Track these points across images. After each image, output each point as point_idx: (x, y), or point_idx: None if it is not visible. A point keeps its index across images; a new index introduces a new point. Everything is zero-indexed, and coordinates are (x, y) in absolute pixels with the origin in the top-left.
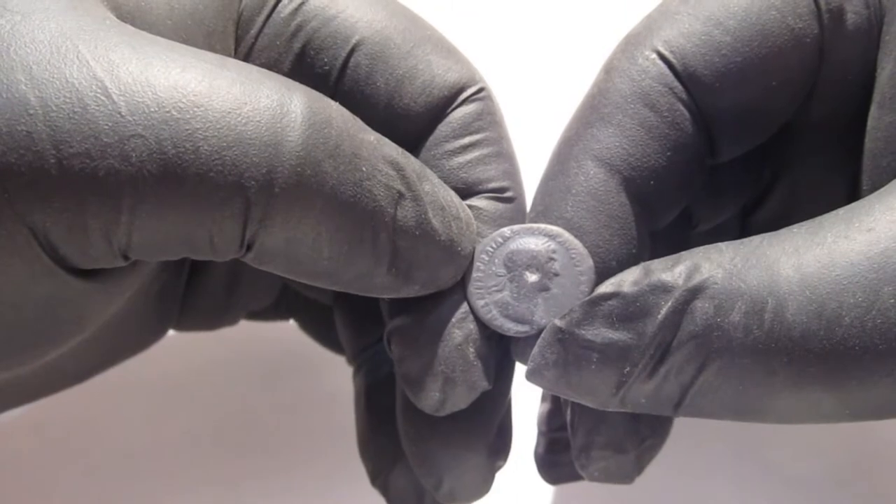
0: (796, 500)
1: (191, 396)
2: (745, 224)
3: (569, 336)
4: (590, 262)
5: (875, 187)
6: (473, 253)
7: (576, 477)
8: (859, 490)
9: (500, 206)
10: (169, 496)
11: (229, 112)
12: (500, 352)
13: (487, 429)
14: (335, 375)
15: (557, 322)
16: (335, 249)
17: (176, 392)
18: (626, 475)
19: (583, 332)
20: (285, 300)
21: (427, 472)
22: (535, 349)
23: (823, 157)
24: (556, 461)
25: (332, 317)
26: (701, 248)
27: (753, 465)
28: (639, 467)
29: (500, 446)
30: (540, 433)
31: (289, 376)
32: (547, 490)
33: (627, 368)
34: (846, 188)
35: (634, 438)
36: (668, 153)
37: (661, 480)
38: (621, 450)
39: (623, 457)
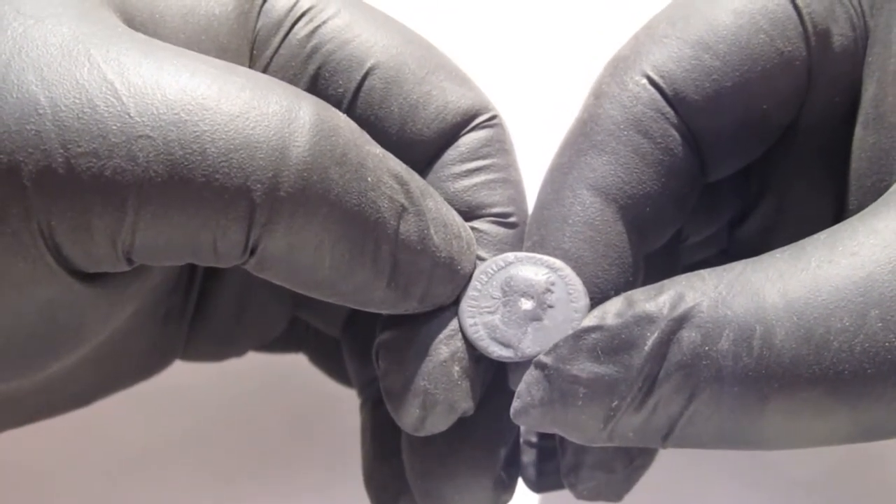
0: (796, 500)
1: (191, 397)
2: (732, 235)
3: (554, 372)
4: (586, 300)
5: (861, 206)
6: (472, 273)
7: (561, 486)
8: (859, 490)
9: (503, 230)
10: (169, 497)
11: (238, 116)
12: (489, 377)
13: (493, 462)
14: None
15: (543, 358)
16: (336, 258)
17: (176, 392)
18: (616, 494)
19: (568, 367)
20: (294, 332)
21: None
22: (521, 386)
23: (810, 173)
24: (541, 470)
25: (340, 350)
26: (683, 276)
27: (753, 465)
28: (627, 486)
29: (506, 480)
30: (525, 442)
31: (290, 377)
32: (533, 498)
33: (615, 402)
34: (832, 203)
35: (624, 459)
36: (663, 179)
37: (660, 480)
38: (610, 470)
39: (612, 476)
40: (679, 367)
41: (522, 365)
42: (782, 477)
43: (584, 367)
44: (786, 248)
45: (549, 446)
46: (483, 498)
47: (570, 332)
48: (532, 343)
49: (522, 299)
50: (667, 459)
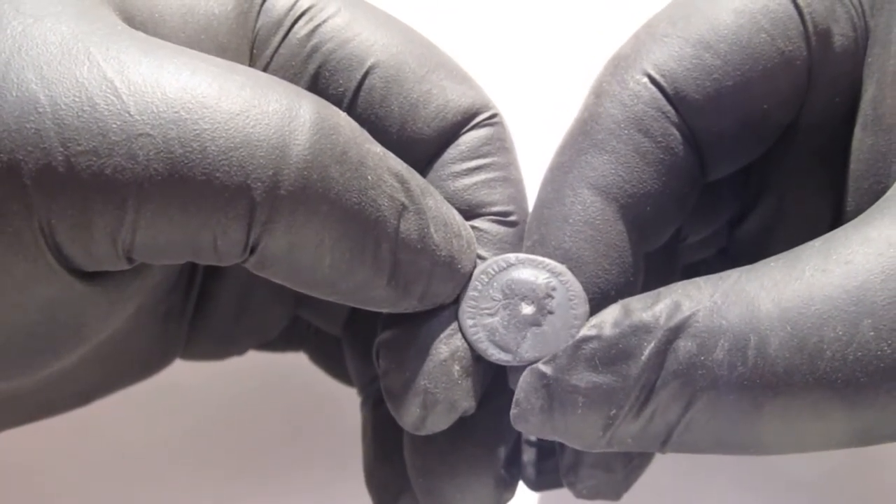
0: (796, 500)
1: (191, 396)
2: (731, 235)
3: (553, 382)
4: (586, 307)
5: (858, 208)
6: (472, 272)
7: (559, 484)
8: (859, 490)
9: (503, 229)
10: (169, 497)
11: (238, 114)
12: (490, 376)
13: (495, 460)
14: None
15: (542, 367)
16: (337, 257)
17: (176, 391)
18: (615, 493)
19: (567, 377)
20: (296, 331)
21: None
22: (520, 393)
23: (810, 173)
24: (540, 468)
25: (341, 348)
26: (679, 284)
27: (753, 465)
28: (626, 485)
29: (507, 478)
30: (524, 441)
31: (291, 376)
32: (532, 497)
33: (613, 411)
34: (832, 204)
35: (623, 458)
36: (664, 178)
37: (660, 480)
38: (610, 469)
39: (611, 475)
40: (676, 376)
41: (521, 368)
42: (781, 477)
43: (583, 377)
44: (781, 255)
45: (549, 445)
46: (484, 496)
47: (569, 338)
48: (531, 348)
49: (523, 303)
50: (665, 459)
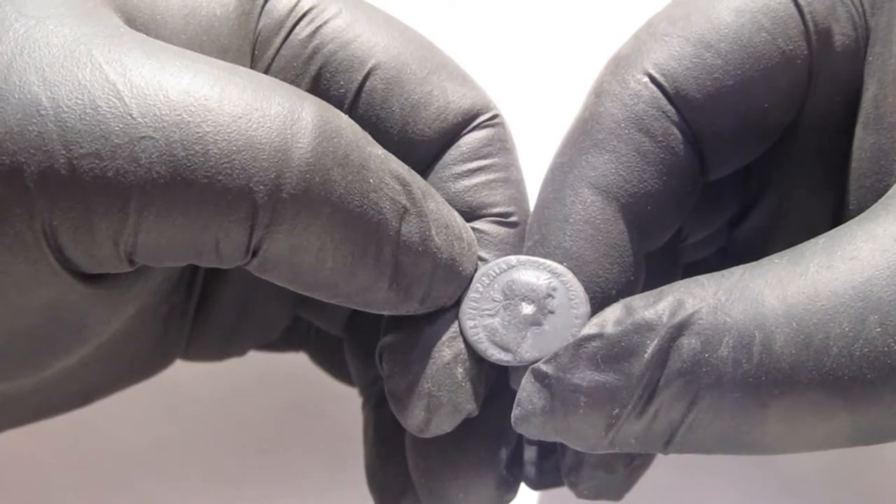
0: (796, 500)
1: (191, 396)
2: (731, 235)
3: (555, 381)
4: (587, 307)
5: (860, 206)
6: (474, 274)
7: (560, 483)
8: (859, 490)
9: (504, 230)
10: (169, 496)
11: (240, 117)
12: (492, 377)
13: (497, 461)
14: None
15: (543, 367)
16: (339, 260)
17: (176, 392)
18: (616, 493)
19: (569, 376)
20: (297, 332)
21: None
22: (521, 394)
23: (810, 173)
24: (541, 467)
25: (342, 349)
26: (682, 282)
27: (753, 465)
28: (628, 485)
29: (509, 479)
30: (525, 440)
31: (291, 375)
32: (532, 497)
33: (616, 410)
34: (832, 203)
35: (624, 458)
36: (664, 177)
37: (661, 480)
38: (611, 469)
39: (613, 475)
40: (679, 375)
41: (523, 368)
42: (781, 476)
43: (585, 376)
44: (784, 252)
45: (549, 444)
46: (486, 497)
47: (570, 338)
48: (531, 348)
49: (523, 303)
50: (666, 459)
